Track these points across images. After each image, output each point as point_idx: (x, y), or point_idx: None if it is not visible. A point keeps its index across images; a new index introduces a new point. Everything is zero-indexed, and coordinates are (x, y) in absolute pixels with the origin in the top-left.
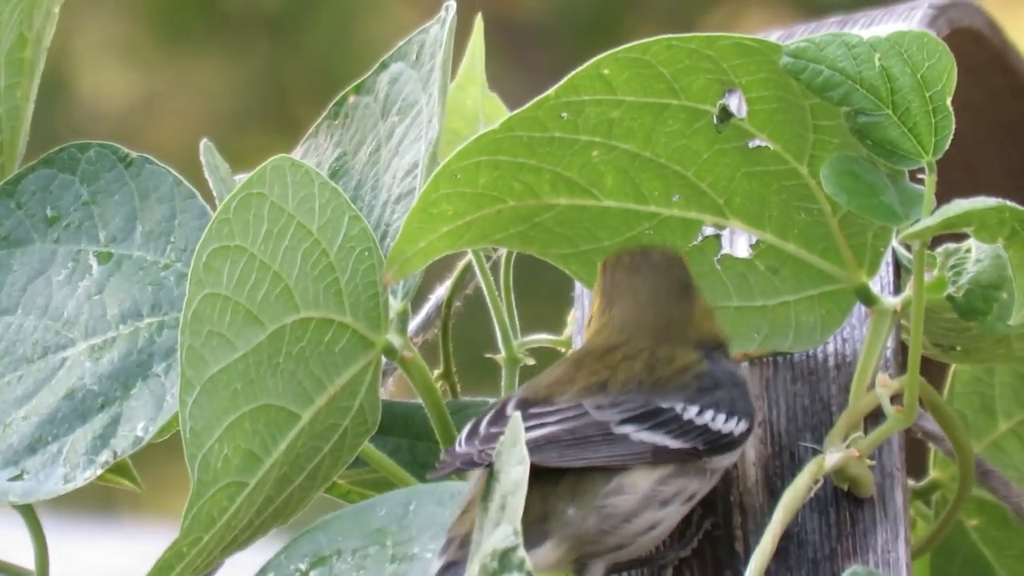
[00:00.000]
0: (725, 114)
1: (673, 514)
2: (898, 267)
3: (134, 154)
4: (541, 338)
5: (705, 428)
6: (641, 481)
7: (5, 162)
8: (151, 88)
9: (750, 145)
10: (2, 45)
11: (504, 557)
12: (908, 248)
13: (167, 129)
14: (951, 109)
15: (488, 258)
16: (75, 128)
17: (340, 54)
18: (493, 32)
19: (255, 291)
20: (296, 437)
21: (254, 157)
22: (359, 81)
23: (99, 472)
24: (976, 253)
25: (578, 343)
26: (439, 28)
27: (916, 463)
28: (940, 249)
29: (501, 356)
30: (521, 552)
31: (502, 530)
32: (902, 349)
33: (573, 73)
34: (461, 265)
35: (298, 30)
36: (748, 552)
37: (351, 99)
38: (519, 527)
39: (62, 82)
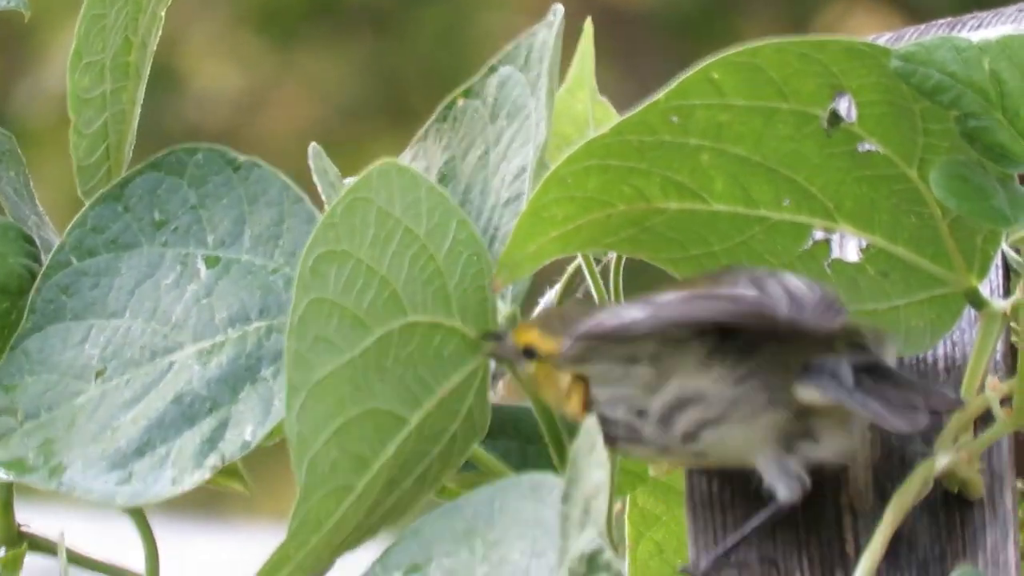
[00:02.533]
0: (835, 118)
1: None
2: (1008, 270)
3: (242, 158)
4: None
5: None
6: None
7: (112, 166)
8: (261, 81)
9: (860, 149)
10: (108, 49)
11: (592, 560)
12: (1017, 251)
13: (277, 123)
14: None
15: (598, 262)
16: (185, 124)
17: (449, 45)
18: (601, 35)
19: (362, 296)
20: (404, 441)
21: (365, 148)
22: (468, 85)
23: (207, 476)
24: None
25: None
26: (547, 31)
27: None
28: None
29: None
30: (608, 554)
31: (587, 534)
32: (1012, 352)
33: (683, 77)
34: (571, 269)
35: (406, 22)
36: (858, 554)
37: (460, 102)
38: (604, 529)
39: (173, 78)
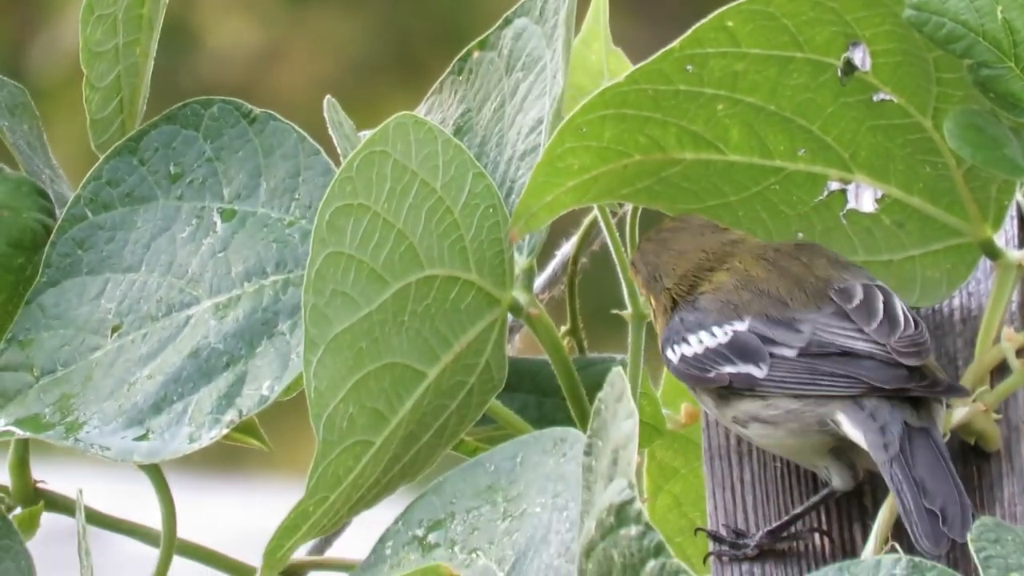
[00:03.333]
0: (849, 67)
1: None
2: (1022, 220)
3: (258, 110)
4: None
5: None
6: None
7: (126, 119)
8: (275, 38)
9: (874, 99)
10: (120, 2)
11: (621, 511)
12: None
13: (291, 79)
14: None
15: (614, 214)
16: (200, 80)
17: (464, 2)
18: None
19: (379, 249)
20: (422, 395)
21: (378, 105)
22: (483, 37)
23: (225, 431)
24: None
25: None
26: None
27: None
28: None
29: (628, 312)
30: (637, 504)
31: (616, 484)
32: None
33: (697, 25)
34: (587, 221)
35: None
36: (876, 506)
37: (475, 55)
38: (633, 480)
39: (187, 34)
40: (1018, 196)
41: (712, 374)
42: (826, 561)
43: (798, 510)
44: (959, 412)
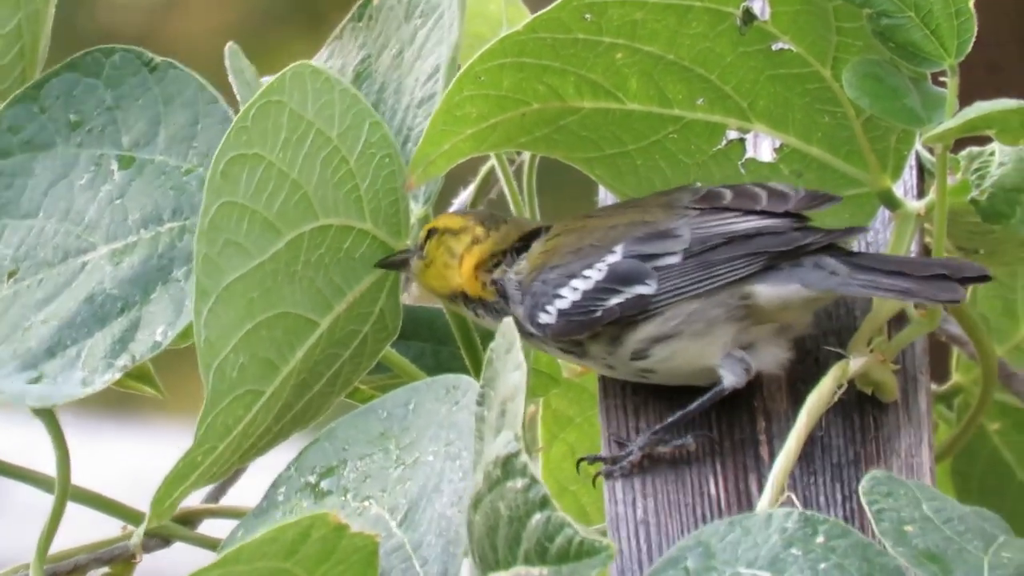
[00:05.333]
0: (748, 16)
1: None
2: (921, 171)
3: (159, 59)
4: None
5: None
6: None
7: (27, 67)
8: None
9: (773, 48)
10: None
11: (507, 463)
12: (931, 151)
13: (192, 25)
14: (973, 11)
15: (511, 162)
16: (99, 27)
17: None
18: None
19: (273, 199)
20: (314, 344)
21: (281, 52)
22: None
23: (118, 376)
24: (1000, 156)
25: None
26: None
27: (938, 367)
28: (963, 152)
29: None
30: (523, 457)
31: (503, 436)
32: (926, 252)
33: None
34: (484, 169)
35: None
36: (772, 457)
37: (375, 1)
38: (520, 432)
39: None
40: (917, 146)
41: (599, 312)
42: (721, 512)
43: (685, 410)
44: (856, 362)
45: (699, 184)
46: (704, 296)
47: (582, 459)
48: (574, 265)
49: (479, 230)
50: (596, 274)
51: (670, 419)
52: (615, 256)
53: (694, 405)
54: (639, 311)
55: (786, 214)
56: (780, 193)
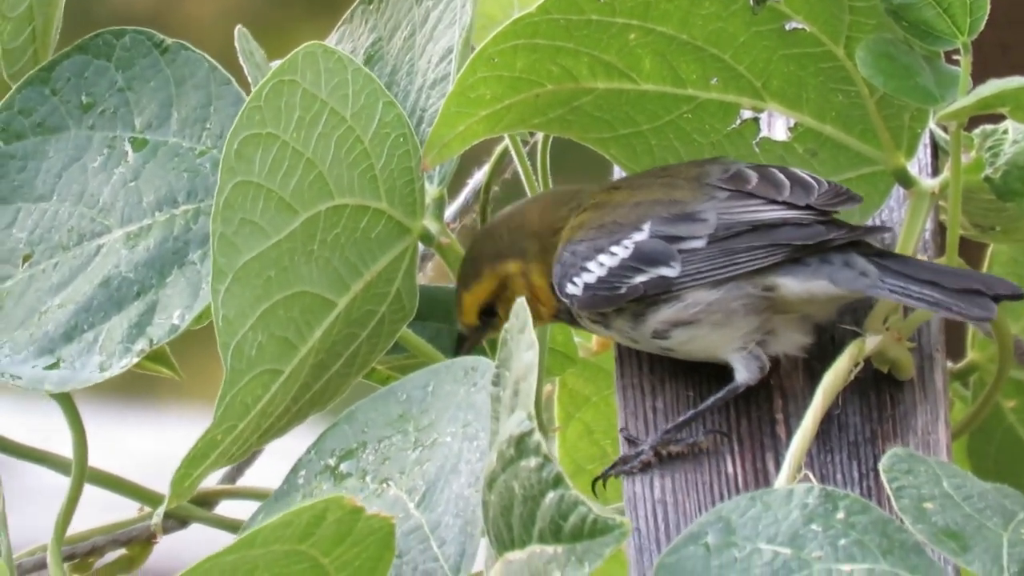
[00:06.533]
0: None
1: None
2: (935, 149)
3: (169, 40)
4: None
5: None
6: None
7: (39, 49)
8: None
9: (787, 27)
10: None
11: (520, 442)
12: (945, 130)
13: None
14: None
15: (525, 143)
16: (112, 9)
17: None
18: None
19: (288, 178)
20: (332, 324)
21: (290, 35)
22: None
23: (135, 360)
24: (1013, 134)
25: None
26: None
27: (954, 345)
28: (977, 131)
29: None
30: (537, 436)
31: (516, 416)
32: (940, 230)
33: None
34: (498, 150)
35: None
36: (789, 435)
37: None
38: (533, 411)
39: None
40: (931, 124)
41: (623, 289)
42: (739, 490)
43: (697, 408)
44: (872, 340)
45: (731, 159)
46: (725, 286)
47: (597, 479)
48: (601, 240)
49: (513, 267)
50: (622, 251)
51: (681, 418)
52: (642, 235)
53: (707, 403)
54: (662, 291)
55: (808, 207)
56: (804, 183)
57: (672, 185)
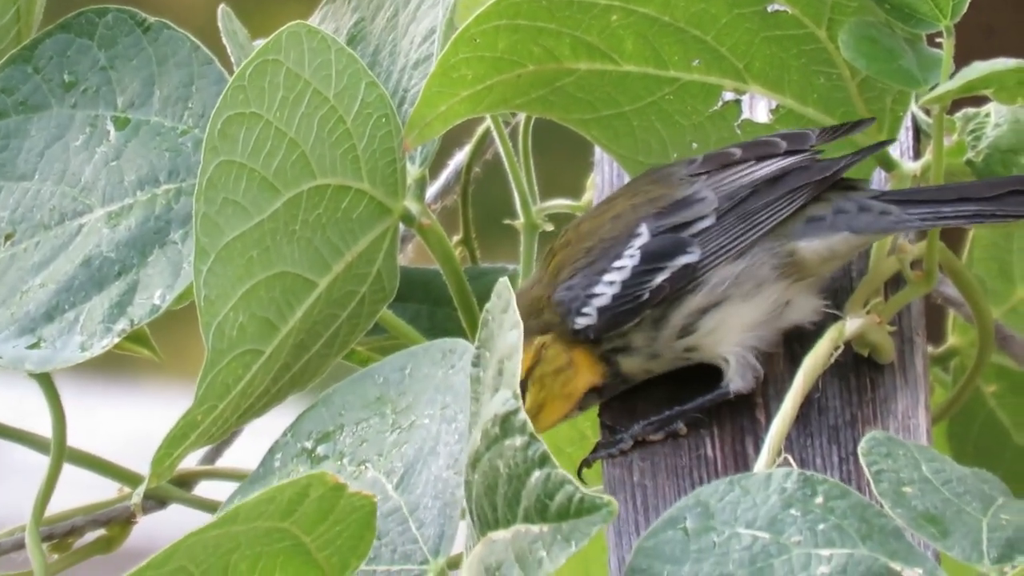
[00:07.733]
0: None
1: None
2: (918, 132)
3: (152, 19)
4: (560, 203)
5: None
6: None
7: (22, 28)
8: None
9: (769, 9)
10: None
11: (505, 421)
12: (927, 113)
13: None
14: None
15: (507, 124)
16: None
17: None
18: None
19: (271, 158)
20: (313, 304)
21: (273, 14)
22: None
23: (116, 340)
24: (995, 118)
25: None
26: None
27: (935, 329)
28: (959, 114)
29: (520, 222)
30: (522, 415)
31: (501, 395)
32: None
33: None
34: (480, 131)
35: None
36: (768, 419)
37: None
38: (518, 391)
39: None
40: (913, 107)
41: (646, 295)
42: (718, 474)
43: (683, 407)
44: (852, 323)
45: (693, 158)
46: (749, 253)
47: (583, 464)
48: (598, 263)
49: (539, 340)
50: (629, 261)
51: (667, 413)
52: (642, 238)
53: (694, 404)
54: (688, 281)
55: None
56: (799, 136)
57: (644, 192)
